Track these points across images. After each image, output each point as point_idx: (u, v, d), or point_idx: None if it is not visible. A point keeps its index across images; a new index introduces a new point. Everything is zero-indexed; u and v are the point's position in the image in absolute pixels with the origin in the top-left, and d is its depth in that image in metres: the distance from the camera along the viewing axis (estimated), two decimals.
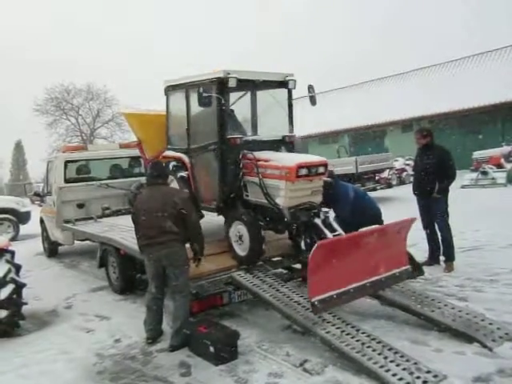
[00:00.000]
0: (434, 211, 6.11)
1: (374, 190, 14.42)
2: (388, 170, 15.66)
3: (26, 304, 5.17)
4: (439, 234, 6.16)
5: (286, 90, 5.64)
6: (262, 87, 5.69)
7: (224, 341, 3.93)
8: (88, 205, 8.73)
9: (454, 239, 6.14)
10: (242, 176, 5.16)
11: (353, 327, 3.87)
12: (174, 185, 5.60)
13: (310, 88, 5.71)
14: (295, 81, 5.54)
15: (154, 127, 6.33)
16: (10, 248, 5.26)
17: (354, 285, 4.05)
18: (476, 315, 4.12)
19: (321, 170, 4.89)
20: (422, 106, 23.42)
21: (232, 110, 5.69)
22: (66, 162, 8.85)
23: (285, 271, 5.79)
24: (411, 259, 5.78)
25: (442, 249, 6.17)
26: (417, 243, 6.63)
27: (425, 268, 5.87)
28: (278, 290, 4.53)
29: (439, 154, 6.11)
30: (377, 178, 15.00)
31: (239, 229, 5.04)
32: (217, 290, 4.83)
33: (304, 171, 4.71)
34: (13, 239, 12.60)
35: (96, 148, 9.84)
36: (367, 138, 27.11)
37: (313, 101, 5.76)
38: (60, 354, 4.49)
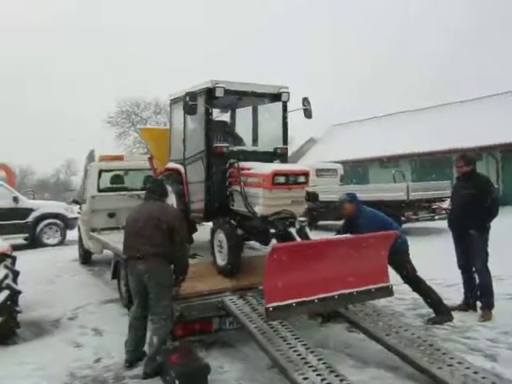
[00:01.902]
0: (471, 250, 5.35)
1: (432, 219, 13.32)
2: (449, 200, 14.43)
3: (19, 312, 5.09)
4: (477, 276, 5.39)
5: (281, 103, 5.57)
6: (255, 99, 5.69)
7: (190, 375, 3.54)
8: (119, 214, 8.74)
9: (496, 284, 5.35)
10: (229, 185, 5.14)
11: (337, 376, 3.31)
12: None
13: (305, 101, 5.57)
14: (289, 93, 5.49)
15: (165, 141, 6.37)
16: (10, 253, 5.25)
17: (320, 295, 3.80)
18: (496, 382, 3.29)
19: (301, 179, 4.76)
20: (491, 133, 21.58)
21: (225, 122, 5.82)
22: (100, 171, 9.01)
23: None
24: (438, 301, 5.12)
25: (480, 294, 5.36)
26: (457, 283, 5.95)
27: (457, 313, 5.17)
28: (265, 322, 4.04)
29: (480, 184, 5.36)
30: (434, 207, 13.83)
31: (220, 237, 4.97)
32: (206, 314, 4.45)
33: (282, 179, 4.64)
34: (59, 243, 13.15)
35: (132, 158, 9.95)
36: (433, 165, 25.51)
37: (307, 114, 5.62)
38: (37, 369, 4.31)
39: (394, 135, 25.77)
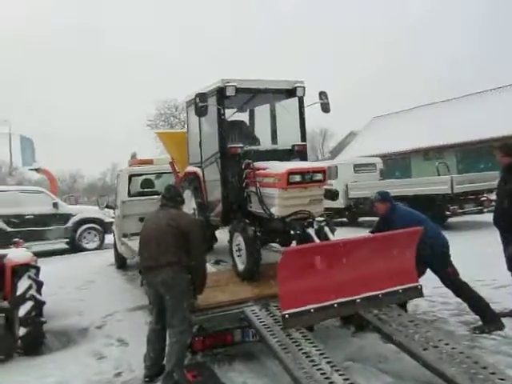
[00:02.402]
0: None
1: (480, 212, 12.50)
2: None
3: (44, 322, 5.05)
4: None
5: (297, 98, 5.39)
6: (270, 96, 5.50)
7: None
8: None
9: None
10: (246, 186, 4.99)
11: None
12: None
13: (322, 94, 5.36)
14: (304, 88, 5.32)
15: (185, 145, 6.24)
16: (35, 263, 5.22)
17: (340, 300, 3.61)
18: None
19: (318, 177, 4.59)
20: None
21: (242, 121, 5.67)
22: (130, 176, 8.99)
23: None
24: (485, 307, 4.64)
25: None
26: (508, 285, 5.49)
27: (508, 321, 4.69)
28: (289, 335, 3.73)
29: None
30: (482, 199, 12.96)
31: (239, 240, 4.81)
32: (226, 326, 4.20)
33: (297, 178, 4.48)
34: (98, 248, 13.37)
35: (162, 162, 9.88)
36: (480, 155, 24.10)
37: (325, 108, 5.39)
38: (56, 382, 4.22)
39: (438, 125, 24.57)
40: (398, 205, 5.16)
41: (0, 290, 5.10)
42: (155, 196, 8.75)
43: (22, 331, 4.83)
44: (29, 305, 4.87)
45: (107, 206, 10.36)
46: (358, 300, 3.71)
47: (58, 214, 12.72)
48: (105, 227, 13.35)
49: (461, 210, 11.94)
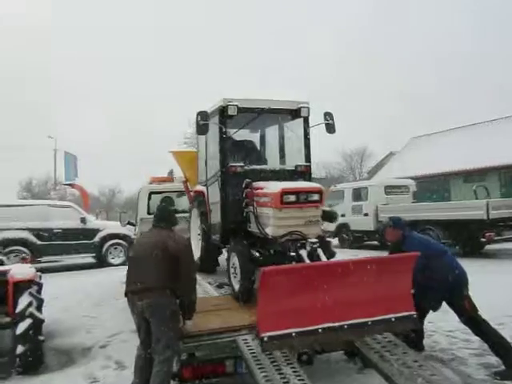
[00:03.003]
0: None
1: None
2: None
3: (42, 341, 4.99)
4: None
5: (302, 119, 5.35)
6: (275, 116, 5.44)
7: None
8: None
9: None
10: (245, 206, 4.91)
11: None
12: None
13: (327, 115, 5.30)
14: (309, 108, 5.28)
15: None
16: (38, 280, 5.21)
17: (325, 325, 3.39)
18: None
19: (314, 197, 4.52)
20: None
21: (249, 141, 5.70)
22: (150, 193, 8.99)
23: None
24: (508, 349, 4.19)
25: None
26: None
27: None
28: (278, 370, 3.46)
29: None
30: None
31: (234, 261, 4.77)
32: (218, 355, 3.96)
33: (292, 198, 4.42)
34: (123, 263, 13.46)
35: (182, 180, 9.85)
36: None
37: (329, 129, 5.31)
38: None
39: (480, 146, 23.51)
40: (412, 233, 4.79)
41: (4, 306, 5.11)
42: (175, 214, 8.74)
43: (19, 349, 4.79)
44: (27, 322, 4.83)
45: (129, 223, 10.41)
46: (345, 326, 3.47)
47: (85, 229, 12.97)
48: (130, 243, 13.44)
49: (498, 237, 11.24)
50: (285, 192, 4.40)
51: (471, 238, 11.66)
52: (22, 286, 4.97)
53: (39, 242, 12.36)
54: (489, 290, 6.77)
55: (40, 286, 5.24)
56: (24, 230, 12.22)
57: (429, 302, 4.53)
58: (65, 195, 32.51)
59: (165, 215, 4.13)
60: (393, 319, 3.63)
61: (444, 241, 11.29)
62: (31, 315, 4.87)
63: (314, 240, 4.40)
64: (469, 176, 24.58)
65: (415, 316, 3.75)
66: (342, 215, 15.66)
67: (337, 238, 16.19)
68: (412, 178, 17.29)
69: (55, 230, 12.57)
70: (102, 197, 52.78)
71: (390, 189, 14.63)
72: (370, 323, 3.55)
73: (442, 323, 5.73)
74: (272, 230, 4.49)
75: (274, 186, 4.60)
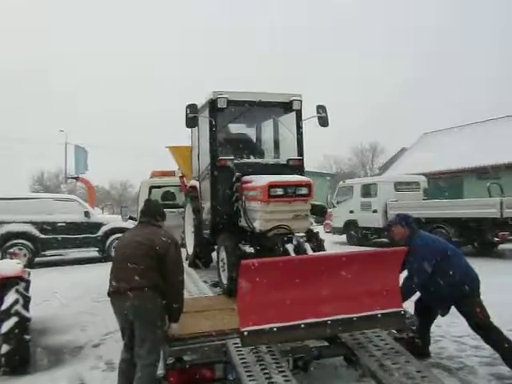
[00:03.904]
0: None
1: None
2: None
3: (28, 341, 4.78)
4: None
5: (294, 112, 5.29)
6: (267, 110, 5.42)
7: None
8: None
9: None
10: (236, 200, 4.83)
11: None
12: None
13: (320, 108, 5.23)
14: (301, 101, 5.22)
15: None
16: (27, 277, 5.01)
17: (308, 320, 3.29)
18: None
19: (302, 191, 4.44)
20: None
21: (243, 134, 5.72)
22: (151, 188, 8.81)
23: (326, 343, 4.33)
24: None
25: None
26: None
27: None
28: (269, 378, 3.21)
29: None
30: None
31: (222, 255, 4.73)
32: (206, 359, 3.71)
33: (279, 191, 4.36)
34: None
35: None
36: None
37: (322, 122, 5.24)
38: None
39: (494, 142, 22.91)
40: (421, 232, 4.47)
41: None
42: (175, 209, 8.52)
43: (4, 348, 4.58)
44: (13, 321, 4.60)
45: (130, 218, 10.25)
46: (329, 322, 3.34)
47: (89, 223, 12.82)
48: None
49: None
50: (272, 185, 4.34)
51: (484, 237, 11.27)
52: (8, 282, 4.76)
53: (42, 236, 12.25)
54: (501, 293, 6.46)
55: (28, 282, 5.03)
56: (27, 223, 12.12)
57: (437, 305, 4.25)
58: (75, 188, 32.51)
59: (151, 210, 3.87)
60: (379, 315, 3.48)
61: (455, 239, 10.94)
62: (17, 313, 4.65)
63: (301, 234, 4.33)
64: (483, 173, 23.99)
65: (403, 312, 3.63)
66: (351, 212, 15.35)
67: (345, 235, 15.87)
68: (424, 175, 16.83)
69: (59, 224, 12.44)
70: (112, 191, 53.00)
71: (399, 185, 14.26)
72: (355, 319, 3.41)
73: (450, 328, 5.43)
74: (260, 224, 4.45)
75: (261, 180, 4.54)
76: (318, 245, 4.62)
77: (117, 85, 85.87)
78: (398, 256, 3.65)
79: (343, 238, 16.13)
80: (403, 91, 72.43)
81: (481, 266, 4.45)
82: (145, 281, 3.45)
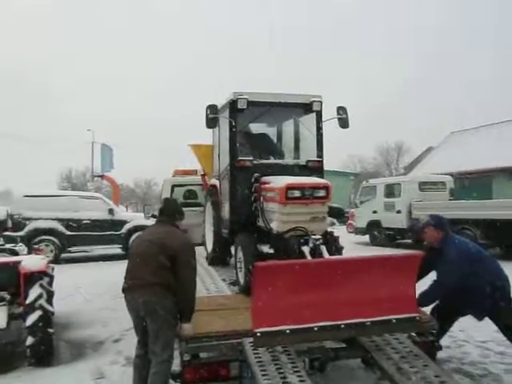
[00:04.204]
0: None
1: None
2: None
3: (52, 334, 4.91)
4: None
5: (314, 113, 5.30)
6: (287, 110, 5.45)
7: None
8: (191, 231, 8.47)
9: None
10: (254, 200, 4.90)
11: None
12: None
13: (340, 109, 5.22)
14: (321, 102, 5.22)
15: None
16: (51, 272, 5.13)
17: (321, 323, 3.30)
18: None
19: (320, 193, 4.45)
20: None
21: (264, 135, 5.76)
22: (173, 186, 8.89)
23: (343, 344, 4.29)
24: None
25: None
26: None
27: None
28: (283, 378, 3.21)
29: None
30: None
31: (239, 255, 4.79)
32: (222, 357, 3.73)
33: (296, 193, 4.37)
34: None
35: None
36: None
37: (343, 123, 5.23)
38: None
39: None
40: (454, 235, 4.33)
41: (18, 297, 5.06)
42: (197, 208, 8.59)
43: (29, 340, 4.74)
44: (37, 314, 4.74)
45: (153, 216, 10.37)
46: (342, 326, 3.34)
47: (113, 220, 13.06)
48: None
49: None
50: (289, 187, 4.35)
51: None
52: (32, 277, 4.88)
53: (68, 233, 12.57)
54: None
55: (52, 277, 5.15)
56: (54, 220, 12.44)
57: (472, 310, 4.17)
58: (101, 186, 33.24)
59: (168, 209, 3.90)
60: (393, 320, 3.46)
61: (482, 241, 10.66)
62: (41, 307, 4.78)
63: (318, 236, 4.33)
64: None
65: (418, 318, 3.60)
66: (374, 212, 15.15)
67: (368, 236, 15.68)
68: (451, 175, 16.48)
69: (84, 221, 12.74)
70: (137, 189, 53.81)
71: (424, 185, 13.99)
72: (368, 323, 3.39)
73: (474, 332, 5.29)
74: (277, 226, 4.48)
75: (279, 181, 4.56)
76: (336, 248, 4.58)
77: (144, 84, 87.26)
78: (414, 261, 3.60)
79: (366, 238, 15.94)
80: (431, 88, 71.04)
81: (508, 269, 4.31)
82: (156, 279, 3.48)
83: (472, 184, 23.54)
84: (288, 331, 3.22)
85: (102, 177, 17.94)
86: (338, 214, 5.10)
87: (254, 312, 3.23)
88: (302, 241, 4.31)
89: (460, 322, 4.55)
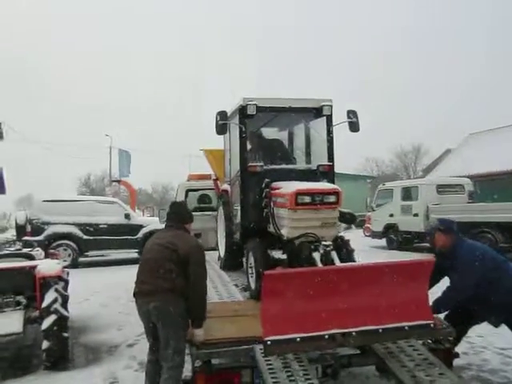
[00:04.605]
0: None
1: None
2: None
3: (67, 338, 4.96)
4: None
5: (324, 118, 5.25)
6: (297, 115, 5.44)
7: None
8: (205, 235, 8.53)
9: None
10: (265, 206, 4.84)
11: None
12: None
13: (351, 113, 5.19)
14: (331, 107, 5.18)
15: None
16: (66, 276, 5.18)
17: (332, 331, 3.24)
18: None
19: (330, 199, 4.42)
20: None
21: (276, 140, 5.78)
22: (187, 191, 8.92)
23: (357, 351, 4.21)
24: None
25: None
26: None
27: None
28: None
29: None
30: None
31: (251, 260, 4.78)
32: (233, 364, 3.70)
33: (306, 199, 4.35)
34: None
35: None
36: None
37: (353, 127, 5.20)
38: None
39: None
40: (466, 241, 4.21)
41: (34, 301, 5.13)
42: (211, 212, 8.60)
43: (45, 344, 4.80)
44: (52, 318, 4.80)
45: None
46: (354, 333, 3.29)
47: (129, 225, 13.18)
48: None
49: None
50: (299, 193, 4.34)
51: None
52: (48, 281, 4.95)
53: (85, 237, 12.73)
54: None
55: (67, 282, 5.21)
56: (71, 224, 12.62)
57: (488, 316, 4.07)
58: (118, 191, 33.59)
59: (176, 213, 3.88)
60: (406, 327, 3.40)
61: (502, 245, 10.43)
62: (56, 311, 4.85)
63: (328, 243, 4.28)
64: None
65: (432, 325, 3.53)
66: (391, 215, 14.96)
67: (384, 239, 15.48)
68: (471, 177, 16.18)
69: (101, 226, 12.89)
70: (154, 194, 54.23)
71: (442, 188, 13.76)
72: (380, 331, 3.34)
73: (493, 338, 5.16)
74: (287, 231, 4.45)
75: (289, 187, 4.55)
76: (348, 253, 4.56)
77: (162, 86, 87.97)
78: (426, 267, 3.55)
79: (383, 242, 15.75)
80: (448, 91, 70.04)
81: None
82: (166, 284, 3.47)
83: (493, 186, 23.06)
84: (298, 339, 3.18)
85: (119, 181, 18.17)
86: (350, 220, 4.96)
87: (264, 320, 3.21)
88: (312, 247, 4.28)
89: (478, 328, 4.43)
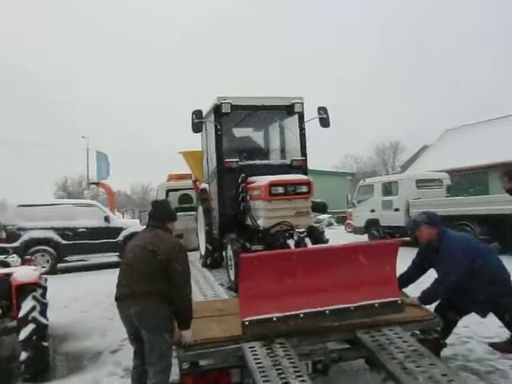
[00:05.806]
0: None
1: None
2: None
3: (47, 347, 4.77)
4: None
5: (297, 115, 5.52)
6: (270, 113, 5.65)
7: None
8: (186, 236, 8.42)
9: None
10: (242, 200, 5.05)
11: None
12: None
13: (321, 109, 5.43)
14: (302, 104, 5.43)
15: None
16: (43, 283, 4.99)
17: (307, 310, 3.42)
18: None
19: (302, 189, 4.68)
20: None
21: (248, 137, 6.04)
22: (168, 191, 8.81)
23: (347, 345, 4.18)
24: None
25: None
26: None
27: None
28: (286, 383, 3.10)
29: None
30: None
31: (230, 253, 4.89)
32: (222, 364, 3.61)
33: (280, 190, 4.61)
34: None
35: None
36: None
37: (324, 123, 5.44)
38: None
39: None
40: (450, 232, 4.28)
41: (9, 310, 4.92)
42: (193, 212, 8.50)
43: (23, 355, 4.57)
44: (30, 328, 4.58)
45: None
46: (327, 312, 3.46)
47: (109, 228, 12.90)
48: None
49: None
50: (272, 184, 4.60)
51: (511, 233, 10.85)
52: (25, 289, 4.75)
53: (64, 242, 12.40)
54: None
55: (45, 289, 5.01)
56: (49, 229, 12.28)
57: (475, 307, 4.09)
58: (97, 194, 32.97)
59: (156, 213, 3.75)
60: (376, 305, 3.59)
61: (481, 237, 10.59)
62: (34, 320, 4.62)
63: (302, 230, 4.51)
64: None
65: (400, 302, 3.67)
66: (372, 211, 15.07)
67: (366, 235, 15.59)
68: (447, 172, 16.42)
69: (80, 230, 12.58)
70: (134, 195, 53.57)
71: (421, 183, 13.94)
72: (352, 309, 3.52)
73: (479, 328, 5.19)
74: (263, 222, 4.70)
75: (263, 180, 4.80)
76: (319, 238, 4.78)
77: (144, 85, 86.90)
78: (392, 248, 3.72)
79: (365, 237, 15.86)
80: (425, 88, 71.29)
81: (508, 264, 4.26)
82: (147, 286, 3.35)
83: (469, 180, 23.53)
84: (275, 319, 3.32)
85: (97, 184, 17.83)
86: (322, 209, 5.31)
87: (242, 302, 3.32)
88: (287, 235, 4.49)
89: (463, 319, 4.46)
